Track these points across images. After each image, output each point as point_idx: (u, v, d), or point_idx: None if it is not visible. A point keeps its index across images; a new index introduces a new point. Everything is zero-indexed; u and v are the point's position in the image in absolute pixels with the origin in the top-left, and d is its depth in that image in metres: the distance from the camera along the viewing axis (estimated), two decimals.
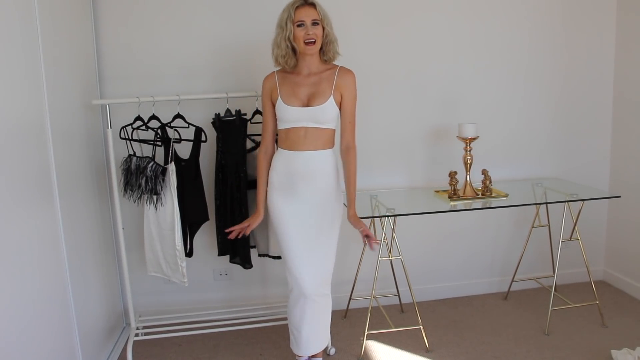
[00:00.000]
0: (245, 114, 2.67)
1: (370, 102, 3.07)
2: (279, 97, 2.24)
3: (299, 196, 2.27)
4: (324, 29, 2.20)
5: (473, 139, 2.88)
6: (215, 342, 2.86)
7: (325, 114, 2.21)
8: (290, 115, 2.22)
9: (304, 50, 2.19)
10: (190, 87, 2.87)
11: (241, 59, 2.88)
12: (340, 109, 2.28)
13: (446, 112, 3.15)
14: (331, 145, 2.30)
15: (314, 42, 2.17)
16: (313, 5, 2.18)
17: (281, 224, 2.31)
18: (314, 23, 2.16)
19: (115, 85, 2.85)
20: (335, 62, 2.31)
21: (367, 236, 2.26)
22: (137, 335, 2.75)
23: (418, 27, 3.06)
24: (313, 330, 2.36)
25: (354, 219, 2.31)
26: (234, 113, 2.69)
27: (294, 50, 2.22)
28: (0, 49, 1.74)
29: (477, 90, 3.19)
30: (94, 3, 2.77)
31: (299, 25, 2.16)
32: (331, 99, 2.22)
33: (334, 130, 2.29)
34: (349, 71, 2.27)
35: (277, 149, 2.35)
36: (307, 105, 2.22)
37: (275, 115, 2.32)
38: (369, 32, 3.01)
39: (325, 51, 2.25)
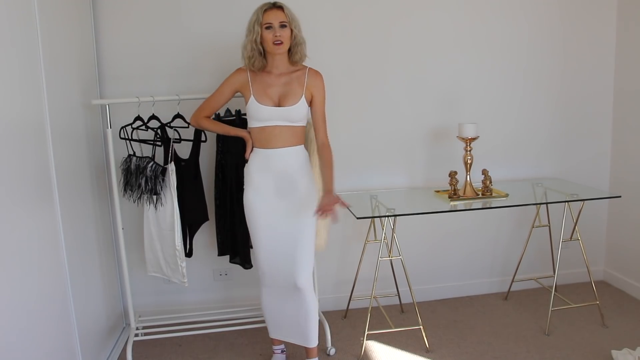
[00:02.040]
0: (245, 114, 2.66)
1: (370, 102, 3.07)
2: (252, 96, 2.30)
3: (278, 193, 2.33)
4: (292, 31, 2.25)
5: (473, 139, 2.88)
6: (215, 342, 2.86)
7: (298, 114, 2.30)
8: (264, 115, 2.28)
9: (273, 50, 2.24)
10: (190, 87, 2.87)
11: (241, 59, 2.88)
12: (311, 109, 2.36)
13: (446, 112, 3.15)
14: (303, 141, 2.39)
15: (282, 43, 2.23)
16: (281, 8, 2.25)
17: (256, 223, 2.36)
18: (282, 25, 2.22)
19: (115, 85, 2.85)
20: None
21: (324, 208, 2.18)
22: (137, 335, 2.75)
23: (418, 27, 3.06)
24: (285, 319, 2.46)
25: (331, 194, 2.25)
26: (233, 113, 2.69)
27: (261, 52, 2.28)
28: None
29: (477, 90, 3.18)
30: (94, 3, 2.77)
31: (267, 28, 2.22)
32: (303, 98, 2.30)
33: (304, 127, 2.38)
34: (318, 73, 2.36)
35: (252, 148, 2.38)
36: (279, 105, 2.29)
37: (224, 102, 2.42)
38: (369, 31, 3.01)
39: (293, 53, 2.31)
